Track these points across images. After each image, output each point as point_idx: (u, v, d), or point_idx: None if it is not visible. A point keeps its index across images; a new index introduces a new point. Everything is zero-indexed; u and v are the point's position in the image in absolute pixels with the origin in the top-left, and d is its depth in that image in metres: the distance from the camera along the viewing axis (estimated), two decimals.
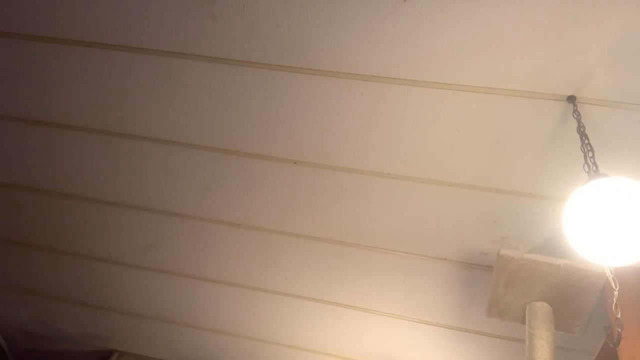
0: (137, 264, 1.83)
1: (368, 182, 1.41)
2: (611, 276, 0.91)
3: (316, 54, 1.23)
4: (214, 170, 1.50)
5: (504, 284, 1.34)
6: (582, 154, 1.05)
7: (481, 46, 1.14)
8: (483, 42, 1.13)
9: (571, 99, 1.15)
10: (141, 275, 1.86)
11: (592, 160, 1.00)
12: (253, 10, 1.20)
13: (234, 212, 1.58)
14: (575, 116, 1.12)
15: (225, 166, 1.48)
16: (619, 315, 0.91)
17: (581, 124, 1.09)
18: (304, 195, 1.49)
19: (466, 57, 1.16)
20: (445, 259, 1.52)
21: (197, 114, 1.40)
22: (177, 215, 1.64)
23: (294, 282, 1.72)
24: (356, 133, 1.33)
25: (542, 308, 1.31)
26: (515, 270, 1.31)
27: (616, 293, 0.90)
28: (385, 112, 1.28)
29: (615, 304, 0.90)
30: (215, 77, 1.32)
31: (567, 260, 1.27)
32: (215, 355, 2.08)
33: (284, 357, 1.99)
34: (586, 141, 1.06)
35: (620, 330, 0.93)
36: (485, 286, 1.51)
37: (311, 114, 1.33)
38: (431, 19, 1.12)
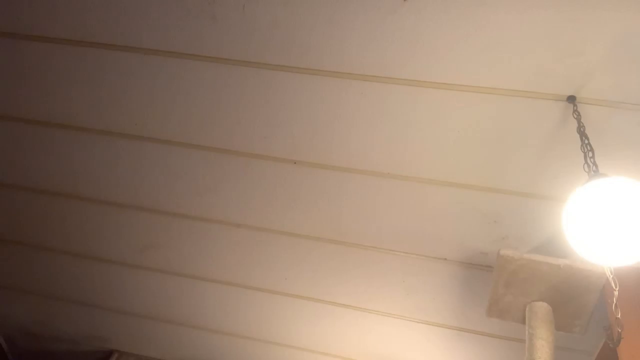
0: (137, 264, 1.83)
1: (368, 182, 1.41)
2: (611, 276, 0.91)
3: (316, 54, 1.23)
4: (214, 170, 1.50)
5: (504, 284, 1.34)
6: (582, 154, 1.05)
7: (481, 46, 1.14)
8: (483, 42, 1.13)
9: (571, 99, 1.15)
10: (141, 275, 1.86)
11: (592, 160, 1.00)
12: (253, 10, 1.20)
13: (234, 212, 1.58)
14: (575, 116, 1.12)
15: (225, 166, 1.48)
16: (619, 315, 0.91)
17: (581, 124, 1.09)
18: (304, 195, 1.49)
19: (466, 57, 1.16)
20: (445, 259, 1.52)
21: (197, 114, 1.40)
22: (177, 215, 1.64)
23: (294, 282, 1.72)
24: (356, 133, 1.33)
25: (542, 308, 1.31)
26: (515, 270, 1.31)
27: (616, 293, 0.90)
28: (385, 112, 1.28)
29: (615, 304, 0.90)
30: (215, 77, 1.32)
31: (567, 260, 1.27)
32: (215, 355, 2.08)
33: (284, 357, 1.99)
34: (586, 141, 1.06)
35: (620, 330, 0.93)
36: (485, 286, 1.51)
37: (311, 114, 1.33)
38: (431, 19, 1.12)
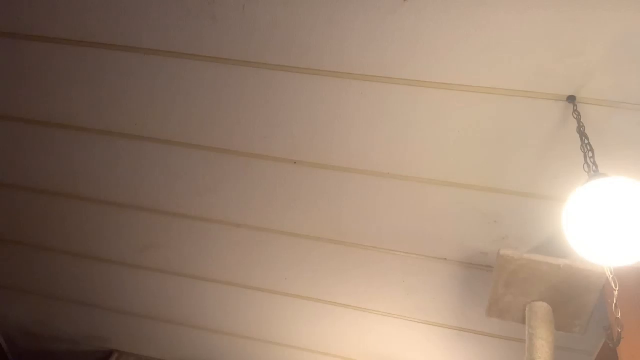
0: (137, 264, 1.83)
1: (368, 182, 1.41)
2: (611, 276, 0.91)
3: (316, 54, 1.23)
4: (214, 170, 1.50)
5: (504, 284, 1.34)
6: (582, 154, 1.05)
7: (481, 46, 1.14)
8: (483, 42, 1.13)
9: (571, 99, 1.15)
10: (141, 275, 1.86)
11: (592, 160, 1.00)
12: (253, 10, 1.20)
13: (234, 212, 1.58)
14: (575, 116, 1.12)
15: (225, 166, 1.48)
16: (619, 315, 0.91)
17: (581, 124, 1.09)
18: (304, 195, 1.49)
19: (466, 57, 1.16)
20: (445, 259, 1.52)
21: (197, 114, 1.40)
22: (177, 215, 1.64)
23: (294, 282, 1.72)
24: (356, 133, 1.33)
25: (542, 308, 1.31)
26: (515, 270, 1.31)
27: (616, 293, 0.90)
28: (385, 112, 1.28)
29: (615, 304, 0.90)
30: (215, 77, 1.32)
31: (567, 260, 1.27)
32: (215, 355, 2.08)
33: (284, 357, 1.99)
34: (586, 141, 1.06)
35: (620, 330, 0.93)
36: (485, 286, 1.51)
37: (311, 114, 1.33)
38: (431, 19, 1.12)
